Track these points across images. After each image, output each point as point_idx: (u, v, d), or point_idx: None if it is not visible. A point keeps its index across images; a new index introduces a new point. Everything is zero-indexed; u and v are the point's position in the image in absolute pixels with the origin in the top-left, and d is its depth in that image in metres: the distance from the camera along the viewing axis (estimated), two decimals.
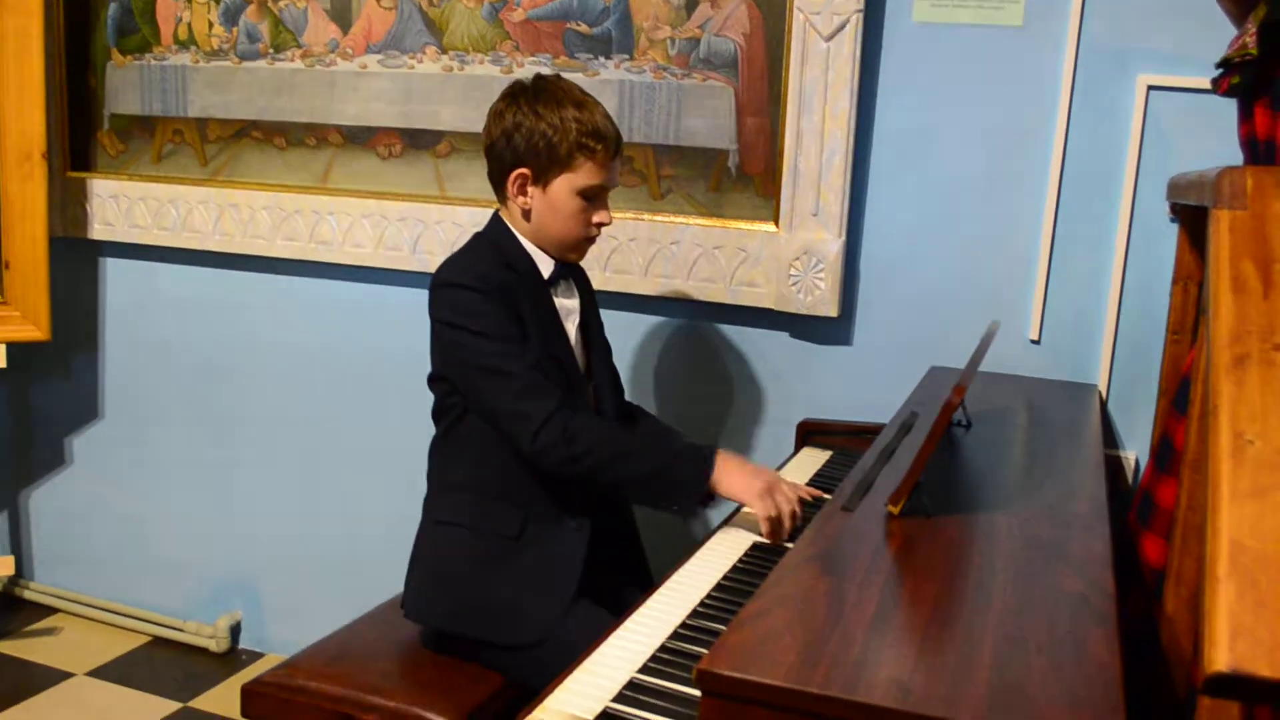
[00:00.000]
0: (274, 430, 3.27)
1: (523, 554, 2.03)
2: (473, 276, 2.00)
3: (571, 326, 2.15)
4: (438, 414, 2.15)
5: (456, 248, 2.80)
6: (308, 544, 3.27)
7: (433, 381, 2.13)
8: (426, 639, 2.09)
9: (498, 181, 2.09)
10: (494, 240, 2.10)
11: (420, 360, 3.02)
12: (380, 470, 3.15)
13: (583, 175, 2.02)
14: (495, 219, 2.13)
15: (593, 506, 2.07)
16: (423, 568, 2.11)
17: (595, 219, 2.07)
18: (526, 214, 2.07)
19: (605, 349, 2.29)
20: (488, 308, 1.97)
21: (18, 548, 3.62)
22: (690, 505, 1.97)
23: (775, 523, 1.91)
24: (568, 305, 2.15)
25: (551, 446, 1.92)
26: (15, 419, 3.59)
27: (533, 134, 1.99)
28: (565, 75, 2.17)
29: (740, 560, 1.86)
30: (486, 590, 2.01)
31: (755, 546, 1.91)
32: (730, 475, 1.95)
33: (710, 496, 1.98)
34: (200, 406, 3.35)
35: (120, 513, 3.51)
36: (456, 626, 2.03)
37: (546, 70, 2.73)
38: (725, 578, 1.80)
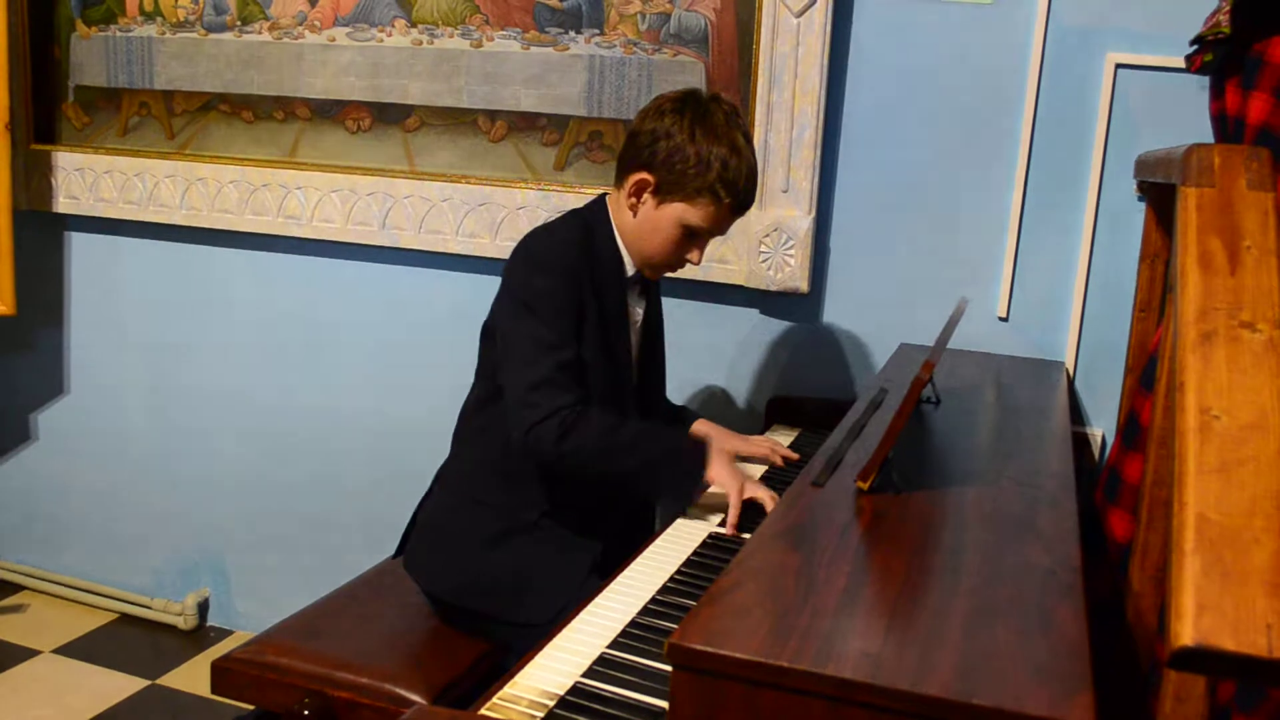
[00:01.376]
0: (242, 405, 3.25)
1: (540, 535, 2.03)
2: (555, 251, 1.99)
3: (634, 326, 2.15)
4: (481, 371, 2.13)
5: (425, 222, 2.84)
6: (276, 521, 3.26)
7: (484, 338, 2.11)
8: (432, 600, 2.10)
9: (624, 167, 2.05)
10: (589, 223, 2.08)
11: (389, 333, 3.02)
12: (349, 445, 3.13)
13: (699, 215, 1.99)
14: (600, 202, 2.11)
15: (614, 511, 2.09)
16: (436, 537, 2.11)
17: (688, 255, 2.06)
18: (632, 212, 2.04)
19: (660, 360, 2.29)
20: (554, 289, 1.96)
21: None
22: (685, 496, 1.98)
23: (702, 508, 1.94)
24: (635, 306, 2.15)
25: (544, 439, 1.90)
26: None
27: (677, 152, 1.96)
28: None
29: (709, 537, 1.87)
30: (503, 567, 2.02)
31: (724, 524, 1.91)
32: (718, 469, 1.95)
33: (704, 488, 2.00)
34: (167, 381, 3.33)
35: (86, 489, 3.48)
36: (465, 600, 2.03)
37: (517, 45, 2.72)
38: (695, 554, 1.81)
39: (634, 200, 2.03)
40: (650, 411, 2.25)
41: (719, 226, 2.03)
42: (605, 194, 2.13)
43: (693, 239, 2.04)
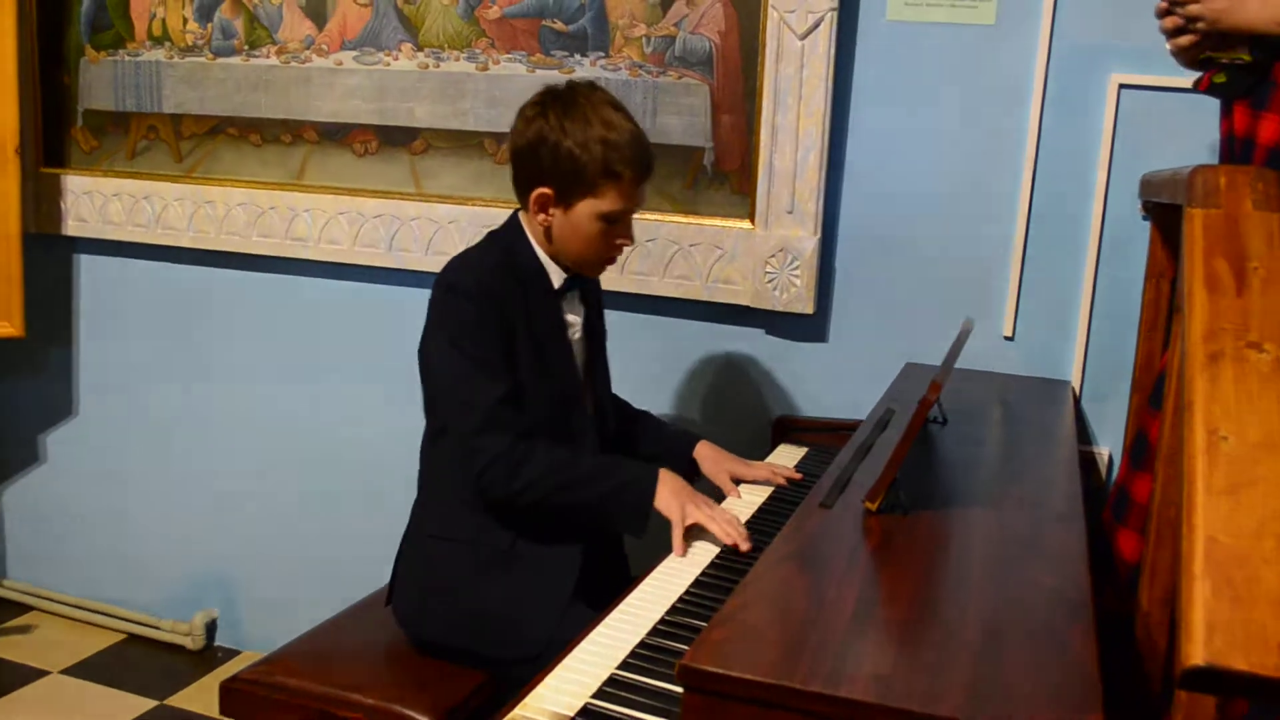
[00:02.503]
0: (249, 427, 3.25)
1: (517, 563, 2.01)
2: (472, 283, 1.97)
3: (575, 337, 2.14)
4: (428, 404, 2.13)
5: (432, 244, 2.85)
6: (284, 542, 3.26)
7: (421, 369, 2.10)
8: (414, 642, 2.08)
9: (521, 187, 2.05)
10: (507, 244, 2.07)
11: (397, 356, 3.02)
12: (357, 466, 3.14)
13: (607, 201, 1.97)
14: (514, 221, 2.10)
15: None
16: (415, 580, 2.09)
17: (618, 240, 2.05)
18: (547, 230, 2.04)
19: (604, 357, 2.28)
20: (477, 322, 1.95)
21: None
22: (636, 528, 1.96)
23: (700, 530, 1.92)
24: (570, 319, 2.13)
25: (496, 483, 1.92)
26: None
27: (557, 152, 1.94)
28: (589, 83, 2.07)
29: (717, 558, 1.87)
30: (483, 603, 2.00)
31: (723, 554, 1.90)
32: (663, 495, 1.94)
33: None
34: (175, 403, 3.34)
35: (95, 510, 3.48)
36: (453, 639, 2.02)
37: (523, 68, 2.74)
38: (703, 574, 1.81)
39: (543, 215, 2.02)
40: (603, 418, 2.23)
41: (631, 203, 2.02)
42: (517, 210, 2.11)
43: (614, 224, 2.02)
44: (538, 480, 1.92)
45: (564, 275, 2.08)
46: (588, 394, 2.18)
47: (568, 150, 1.94)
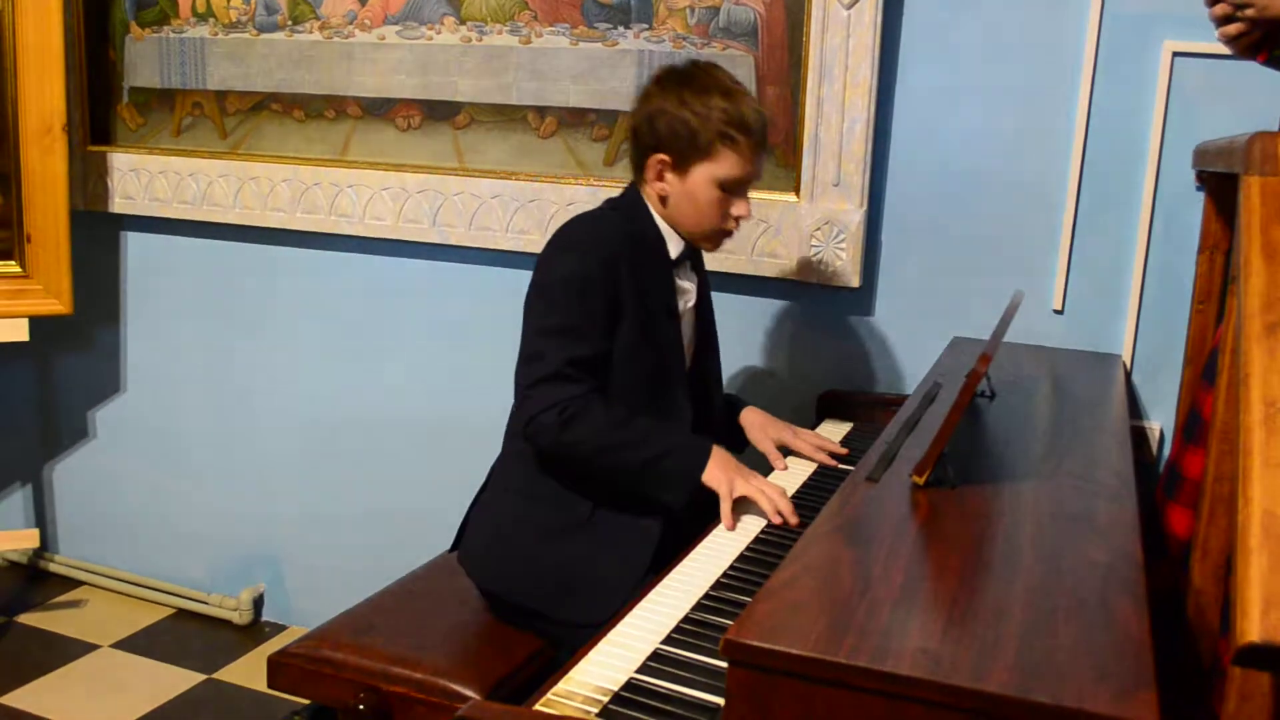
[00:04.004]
0: (295, 401, 3.28)
1: (596, 530, 2.01)
2: (583, 245, 1.99)
3: (687, 305, 2.14)
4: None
5: (475, 218, 2.84)
6: (331, 517, 3.29)
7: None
8: (481, 589, 2.09)
9: (638, 163, 2.07)
10: (626, 211, 2.08)
11: (442, 330, 3.04)
12: (403, 441, 3.15)
13: (724, 166, 1.99)
14: (631, 191, 2.11)
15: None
16: (491, 532, 2.10)
17: (734, 211, 2.05)
18: (664, 199, 2.05)
19: (713, 335, 2.28)
20: (579, 274, 1.95)
21: (42, 521, 3.65)
22: (677, 498, 1.95)
23: (746, 503, 1.91)
24: (684, 286, 2.14)
25: (542, 431, 1.91)
26: (38, 392, 3.60)
27: (675, 120, 1.98)
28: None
29: (763, 532, 1.86)
30: (556, 565, 2.01)
31: (769, 528, 1.89)
32: (712, 469, 1.93)
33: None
34: (221, 378, 3.36)
35: (143, 485, 3.53)
36: (522, 597, 2.02)
37: (566, 41, 2.72)
38: (748, 549, 1.80)
39: (660, 183, 2.04)
40: (708, 393, 2.23)
41: (749, 170, 2.03)
42: (633, 183, 2.12)
43: (731, 193, 2.03)
44: (586, 435, 1.91)
45: (681, 245, 2.10)
46: (692, 365, 2.19)
47: (685, 118, 1.98)
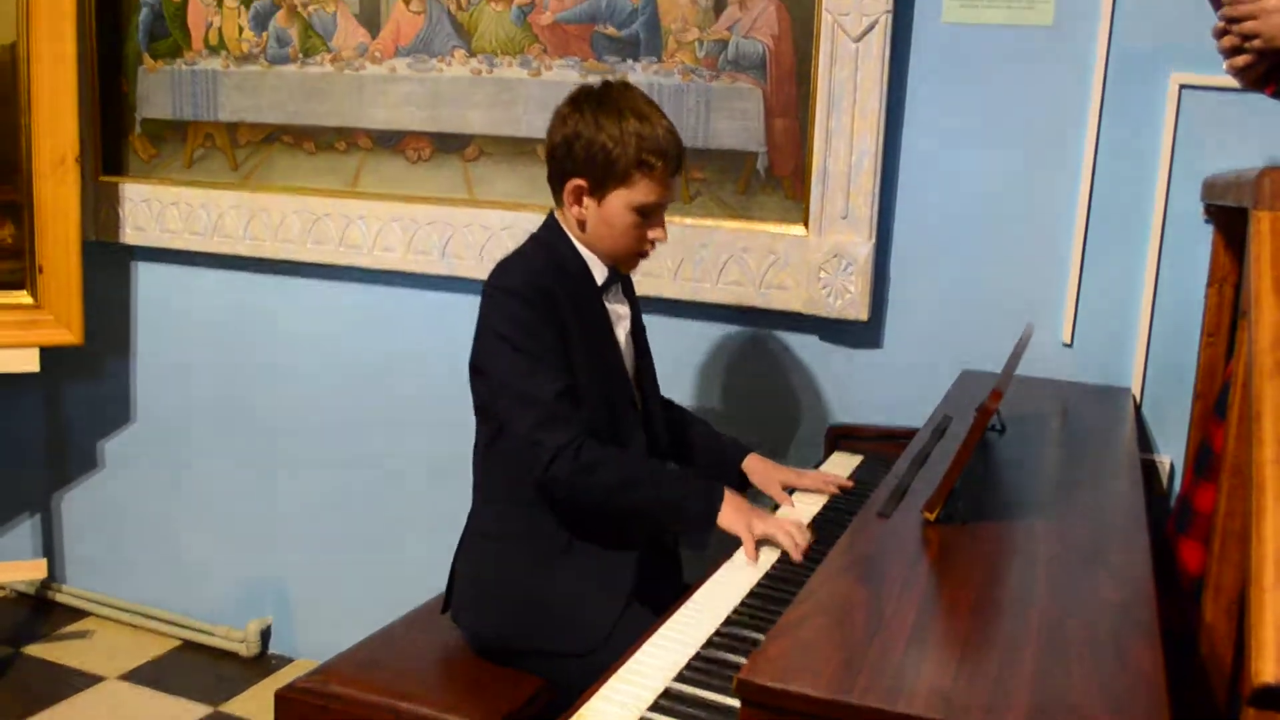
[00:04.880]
0: (304, 433, 3.28)
1: (575, 560, 2.02)
2: (523, 283, 1.99)
3: (622, 332, 2.15)
4: (480, 411, 2.14)
5: (485, 250, 2.85)
6: (338, 549, 3.28)
7: (474, 375, 2.11)
8: (472, 643, 2.08)
9: (555, 186, 2.08)
10: (548, 243, 2.09)
11: (450, 363, 3.03)
12: (411, 473, 3.15)
13: (639, 192, 2.00)
14: (550, 222, 2.12)
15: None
16: (471, 579, 2.11)
17: (650, 235, 2.06)
18: (581, 223, 2.06)
19: (649, 355, 2.28)
20: (532, 320, 1.96)
21: (50, 551, 3.64)
22: (699, 541, 1.96)
23: (767, 542, 1.91)
24: (618, 311, 2.15)
25: (561, 478, 1.91)
26: (48, 422, 3.61)
27: (591, 145, 1.98)
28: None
29: (772, 567, 1.85)
30: (540, 598, 2.01)
31: (785, 556, 1.89)
32: (728, 512, 1.93)
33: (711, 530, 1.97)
34: (231, 410, 3.36)
35: (151, 516, 3.52)
36: (510, 637, 2.02)
37: (575, 73, 2.73)
38: (758, 584, 1.79)
39: (577, 208, 2.04)
40: (650, 417, 2.23)
41: (663, 195, 2.04)
42: (552, 211, 2.13)
43: (647, 216, 2.04)
44: (604, 479, 1.92)
45: (605, 270, 2.10)
46: (635, 391, 2.19)
47: (601, 143, 1.97)
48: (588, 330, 2.05)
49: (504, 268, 2.06)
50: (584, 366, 2.02)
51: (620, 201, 2.00)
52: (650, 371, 2.27)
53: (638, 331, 2.24)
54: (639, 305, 2.28)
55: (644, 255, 2.11)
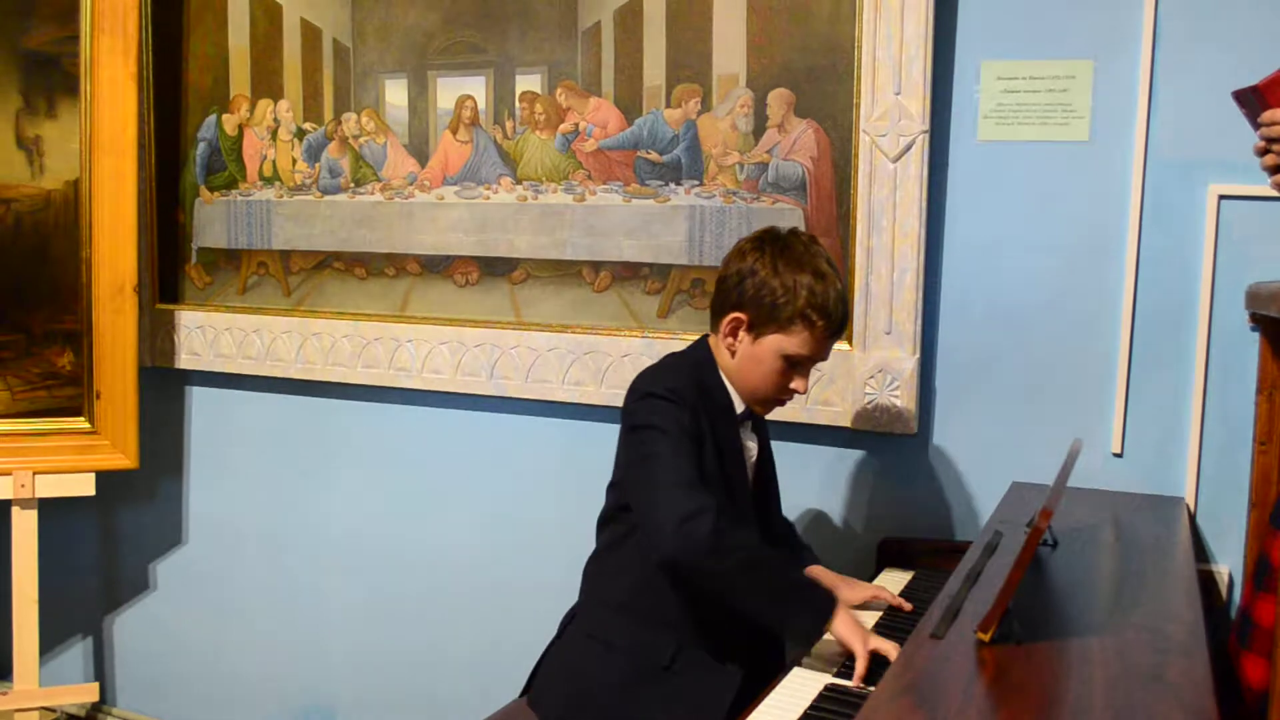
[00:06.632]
0: (355, 557, 3.29)
1: (674, 681, 2.01)
2: (668, 388, 2.02)
3: (749, 463, 2.17)
4: (605, 521, 2.16)
5: (531, 371, 2.89)
6: (389, 673, 3.27)
7: (611, 488, 2.14)
8: None
9: (716, 313, 2.13)
10: (696, 361, 2.13)
11: (500, 482, 3.06)
12: (461, 597, 3.15)
13: (795, 343, 2.03)
14: (703, 343, 2.17)
15: (747, 645, 2.06)
16: (568, 679, 2.11)
17: (793, 385, 2.09)
18: (731, 352, 2.10)
19: (776, 494, 2.32)
20: (675, 413, 1.99)
21: (101, 674, 3.66)
22: (812, 634, 1.93)
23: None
24: (748, 445, 2.18)
25: (697, 539, 1.87)
26: (101, 544, 3.65)
27: (764, 286, 2.02)
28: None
29: (825, 689, 1.83)
30: (637, 712, 2.00)
31: (830, 686, 1.86)
32: (845, 620, 1.91)
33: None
34: (282, 531, 3.39)
35: (203, 637, 3.54)
36: None
37: (619, 198, 2.79)
38: (811, 708, 1.77)
39: (731, 340, 2.08)
40: (772, 537, 2.25)
41: (817, 352, 2.06)
42: (705, 335, 2.17)
43: (794, 368, 2.06)
44: (736, 552, 1.89)
45: (743, 404, 2.13)
46: (757, 510, 2.21)
47: (773, 286, 2.02)
48: (720, 450, 2.07)
49: (651, 374, 2.11)
50: (714, 481, 2.04)
51: (774, 345, 2.04)
52: (775, 501, 2.31)
53: (765, 466, 2.27)
54: (769, 442, 2.30)
55: (780, 403, 2.14)
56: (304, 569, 3.37)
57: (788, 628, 1.97)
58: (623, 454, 2.10)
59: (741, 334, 2.07)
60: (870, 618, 2.14)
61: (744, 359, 2.08)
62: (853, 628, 1.90)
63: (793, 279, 2.01)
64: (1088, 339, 2.49)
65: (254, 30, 3.24)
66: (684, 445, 1.97)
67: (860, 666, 1.85)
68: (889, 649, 1.86)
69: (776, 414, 2.60)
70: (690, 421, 2.00)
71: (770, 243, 2.07)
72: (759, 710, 1.78)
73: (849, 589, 2.23)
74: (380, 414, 3.21)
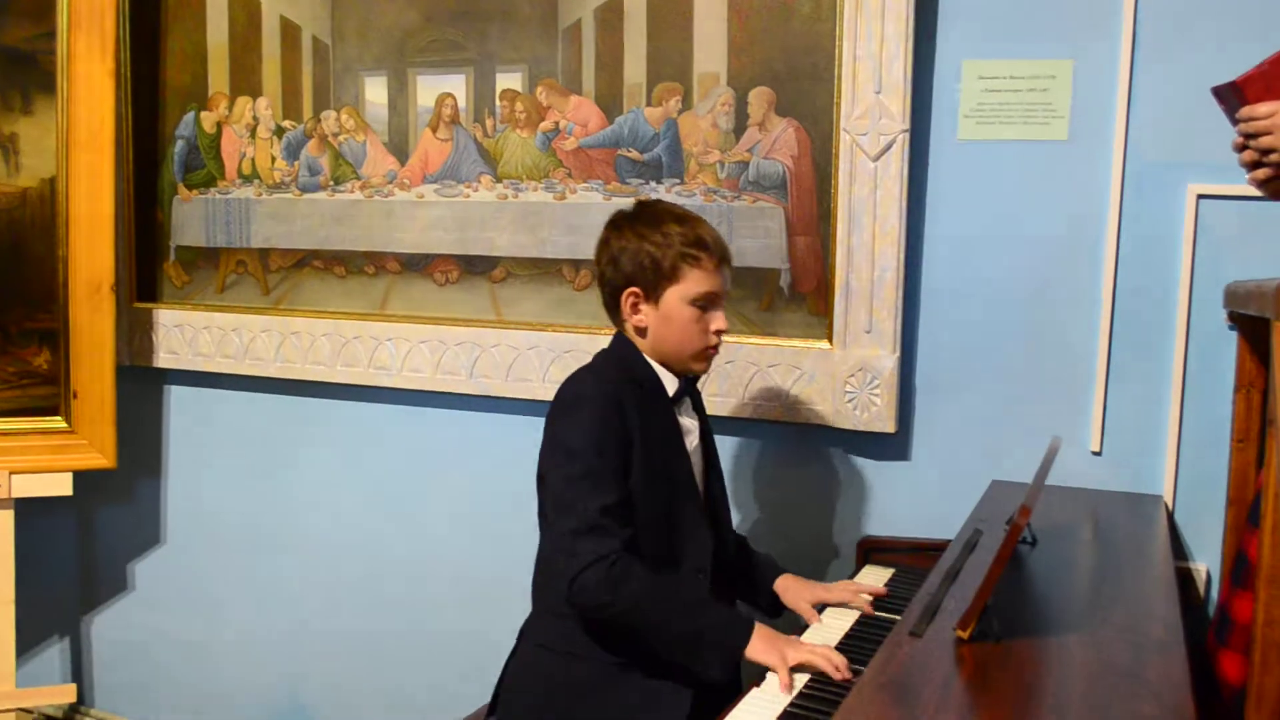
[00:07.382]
0: (335, 556, 3.28)
1: (631, 678, 2.00)
2: (593, 392, 2.03)
3: (691, 443, 2.16)
4: (542, 519, 2.14)
5: (512, 370, 2.88)
6: (368, 671, 3.26)
7: (539, 484, 2.12)
8: None
9: (612, 306, 2.13)
10: (619, 356, 2.13)
11: (478, 481, 3.05)
12: (440, 596, 3.14)
13: (691, 284, 2.04)
14: (618, 337, 2.16)
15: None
16: (524, 691, 2.10)
17: (713, 326, 2.09)
18: (642, 332, 2.10)
19: (718, 466, 2.30)
20: (595, 430, 1.98)
21: (79, 675, 3.64)
22: (720, 672, 1.91)
23: (800, 669, 1.87)
24: (687, 424, 2.17)
25: (588, 589, 1.89)
26: (80, 545, 3.63)
27: (638, 254, 2.04)
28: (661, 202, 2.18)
29: (804, 687, 1.83)
30: (594, 716, 2.00)
31: (815, 676, 1.86)
32: (758, 644, 1.89)
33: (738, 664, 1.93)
34: (262, 531, 3.38)
35: (181, 639, 3.52)
36: None
37: (599, 196, 2.79)
38: (791, 704, 1.77)
39: (636, 316, 2.09)
40: (718, 524, 2.23)
41: (716, 285, 2.07)
42: (619, 330, 2.16)
43: (705, 310, 2.07)
44: (633, 596, 1.90)
45: (677, 383, 2.13)
46: (704, 498, 2.20)
47: (645, 249, 2.04)
48: (657, 438, 2.07)
49: (575, 379, 2.10)
50: (651, 473, 2.03)
51: (675, 298, 2.05)
52: (719, 481, 2.29)
53: (707, 444, 2.26)
54: (709, 421, 2.29)
55: (713, 351, 2.13)
56: (283, 568, 3.36)
57: (700, 666, 1.95)
58: (542, 457, 2.07)
59: (643, 306, 2.07)
60: (849, 616, 2.14)
61: (657, 327, 2.08)
62: (769, 650, 1.88)
63: (658, 234, 2.04)
64: (1067, 338, 2.50)
65: (233, 27, 3.23)
66: (594, 468, 1.96)
67: (783, 680, 1.83)
68: (816, 660, 1.84)
69: (755, 411, 2.62)
70: (617, 421, 1.99)
71: (623, 219, 2.10)
72: (740, 707, 1.78)
73: (824, 591, 2.23)
74: (360, 413, 3.20)
